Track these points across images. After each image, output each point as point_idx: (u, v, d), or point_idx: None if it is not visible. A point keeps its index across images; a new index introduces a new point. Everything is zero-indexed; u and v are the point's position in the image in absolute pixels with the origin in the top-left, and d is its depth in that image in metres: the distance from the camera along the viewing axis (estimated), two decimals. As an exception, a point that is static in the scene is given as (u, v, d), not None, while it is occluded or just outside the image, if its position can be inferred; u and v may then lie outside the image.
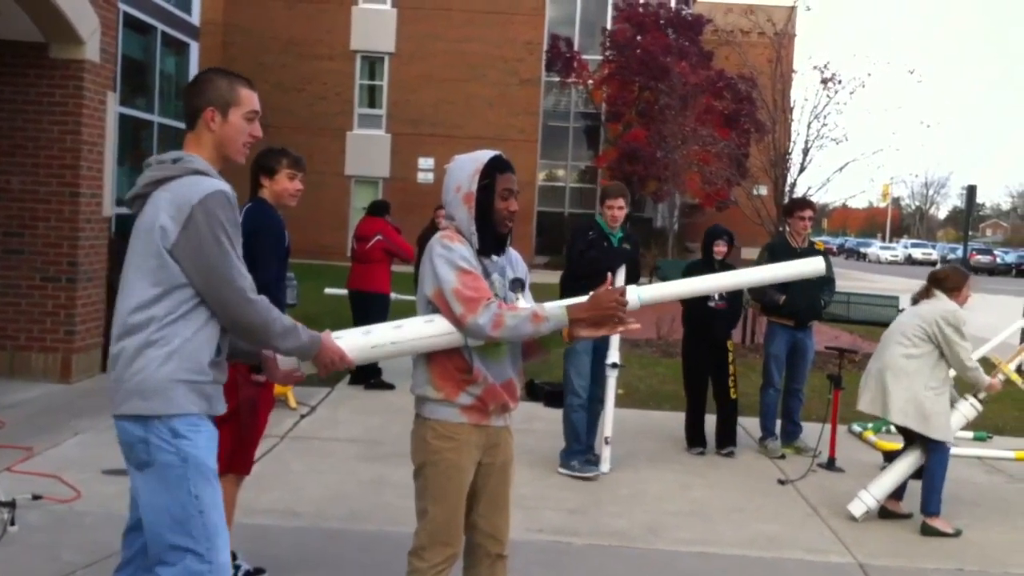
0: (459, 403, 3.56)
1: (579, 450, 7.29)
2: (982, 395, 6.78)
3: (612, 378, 7.30)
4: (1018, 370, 7.47)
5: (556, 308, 3.43)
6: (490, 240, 3.59)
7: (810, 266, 3.83)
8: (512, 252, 3.78)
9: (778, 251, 8.11)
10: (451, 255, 3.47)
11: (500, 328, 3.36)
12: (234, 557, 4.88)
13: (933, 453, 6.41)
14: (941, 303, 6.39)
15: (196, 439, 3.02)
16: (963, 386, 6.65)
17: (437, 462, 3.57)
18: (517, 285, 3.65)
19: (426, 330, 3.44)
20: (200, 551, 3.01)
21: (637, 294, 3.54)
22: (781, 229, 8.71)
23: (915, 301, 6.65)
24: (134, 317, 3.01)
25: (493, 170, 3.58)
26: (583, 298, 3.48)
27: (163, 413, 2.98)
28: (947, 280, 6.51)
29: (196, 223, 2.96)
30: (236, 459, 4.61)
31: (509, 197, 3.59)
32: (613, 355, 7.21)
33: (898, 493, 6.62)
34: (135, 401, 2.98)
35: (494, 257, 3.63)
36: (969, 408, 6.71)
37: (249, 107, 3.21)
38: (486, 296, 3.41)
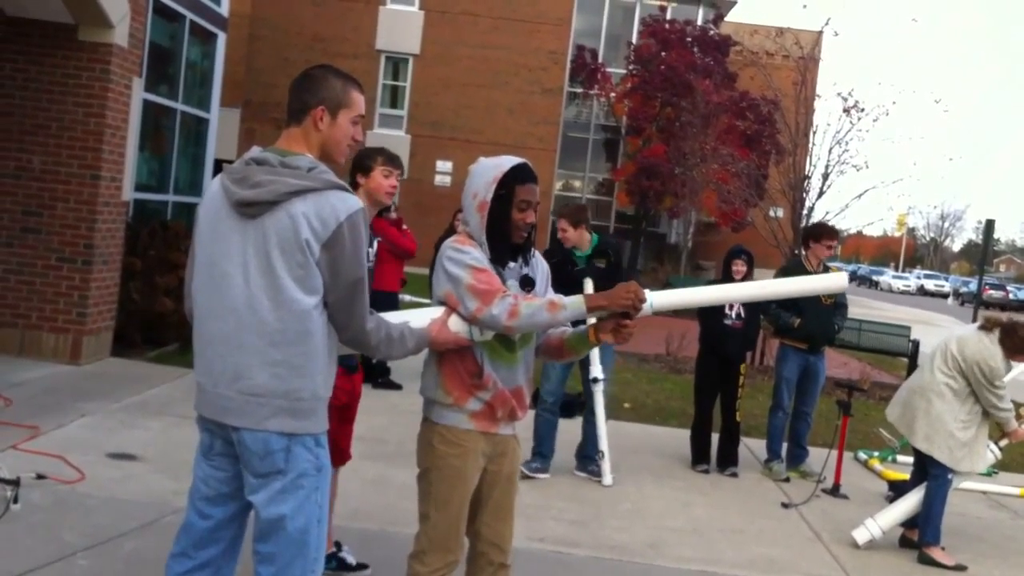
0: (468, 409, 3.54)
1: (542, 454, 7.42)
2: (1003, 443, 6.76)
3: (598, 392, 7.40)
4: None
5: (571, 299, 3.41)
6: (504, 249, 3.57)
7: (832, 281, 3.71)
8: (537, 259, 3.76)
9: (792, 274, 8.07)
10: (463, 256, 3.47)
11: (516, 317, 3.33)
12: (339, 547, 4.95)
13: (933, 480, 6.39)
14: (989, 350, 6.28)
15: (327, 448, 3.12)
16: (991, 428, 6.62)
17: (442, 468, 3.55)
18: (527, 282, 3.62)
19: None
20: (316, 562, 3.09)
21: (649, 300, 3.45)
22: (796, 252, 8.65)
23: (982, 327, 6.50)
24: (291, 325, 2.95)
25: (513, 180, 3.53)
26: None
27: (314, 432, 3.06)
28: (1012, 338, 6.33)
29: (342, 239, 2.95)
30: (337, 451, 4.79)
31: (527, 209, 3.54)
32: (595, 370, 7.31)
33: (914, 522, 6.57)
34: (284, 421, 2.97)
35: (511, 264, 3.62)
36: (988, 454, 6.69)
37: (357, 111, 3.17)
38: (499, 289, 3.40)
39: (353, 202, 3.00)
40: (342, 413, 4.69)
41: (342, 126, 3.12)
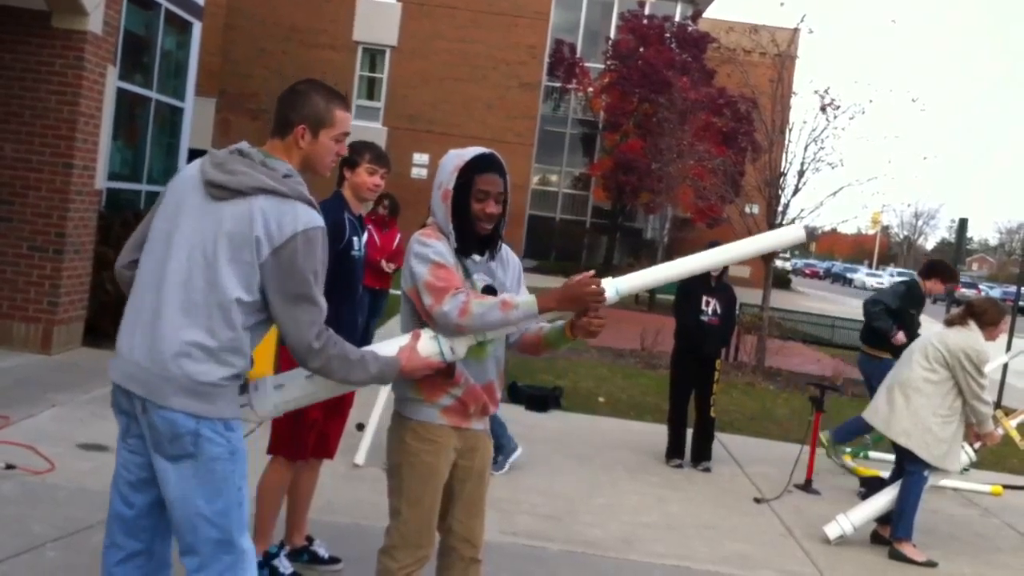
0: (440, 404, 3.53)
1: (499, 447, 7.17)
2: (977, 445, 6.82)
3: None
4: (1019, 428, 7.56)
5: (526, 296, 3.37)
6: (469, 240, 3.54)
7: (791, 233, 3.64)
8: (506, 254, 3.73)
9: (913, 293, 8.40)
10: (425, 250, 3.45)
11: (466, 316, 3.28)
12: (311, 541, 4.93)
13: (908, 476, 6.43)
14: (971, 337, 6.36)
15: (240, 432, 3.07)
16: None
17: (414, 463, 3.55)
18: (489, 292, 3.54)
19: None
20: (235, 541, 3.04)
21: (615, 287, 3.41)
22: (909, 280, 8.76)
23: (948, 324, 6.62)
24: (216, 311, 2.96)
25: (473, 170, 3.51)
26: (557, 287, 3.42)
27: (223, 417, 3.01)
28: (986, 314, 6.45)
29: (293, 250, 2.94)
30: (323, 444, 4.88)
31: (485, 199, 3.50)
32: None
33: (888, 519, 6.61)
34: (191, 401, 2.94)
35: (476, 257, 3.58)
36: (963, 455, 6.75)
37: (341, 129, 3.19)
38: (455, 286, 3.36)
39: (316, 219, 3.01)
40: (332, 406, 4.67)
41: (324, 144, 3.16)
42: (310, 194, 3.07)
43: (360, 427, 7.33)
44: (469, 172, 3.51)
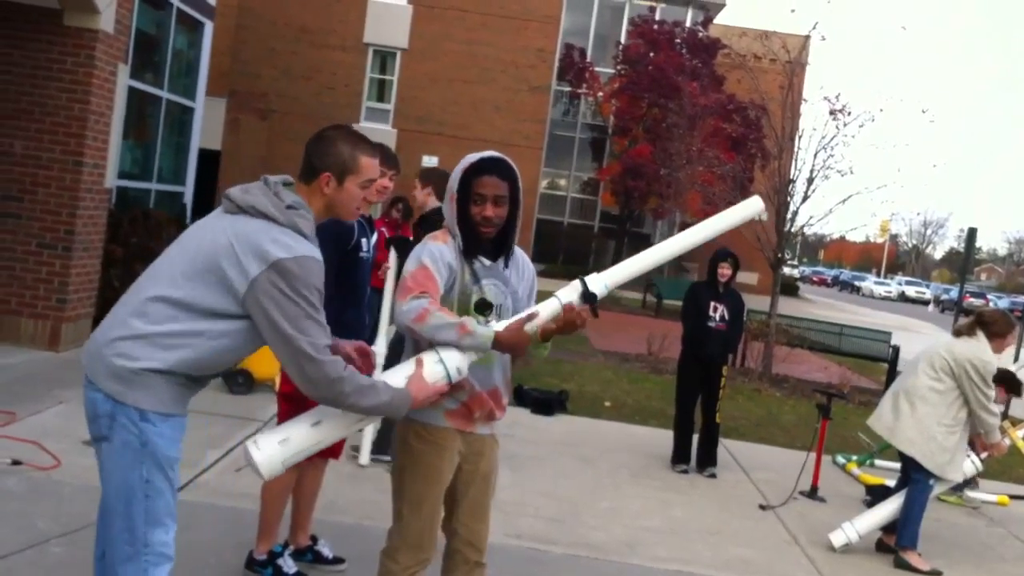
0: (444, 407, 3.53)
1: None
2: (984, 455, 6.80)
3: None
4: None
5: (484, 329, 3.33)
6: (471, 242, 3.54)
7: (751, 207, 3.81)
8: (522, 261, 3.71)
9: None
10: (421, 250, 3.48)
11: (421, 323, 3.25)
12: (315, 541, 4.93)
13: (914, 485, 6.41)
14: (978, 347, 6.33)
15: (161, 427, 3.00)
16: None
17: (417, 465, 3.55)
18: (484, 307, 3.54)
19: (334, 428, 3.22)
20: (136, 532, 3.00)
21: (603, 283, 3.50)
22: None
23: (957, 334, 6.59)
24: (156, 307, 2.98)
25: (472, 173, 3.52)
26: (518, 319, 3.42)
27: (139, 406, 2.97)
28: (995, 325, 6.42)
29: (262, 287, 2.91)
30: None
31: (482, 203, 3.49)
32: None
33: (894, 527, 6.59)
34: (112, 383, 2.95)
35: (486, 262, 3.57)
36: (970, 465, 6.73)
37: (367, 176, 3.20)
38: (425, 291, 3.34)
39: (299, 249, 2.97)
40: None
41: (349, 190, 3.18)
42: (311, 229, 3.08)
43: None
44: (469, 175, 3.52)
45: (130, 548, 2.99)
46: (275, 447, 3.10)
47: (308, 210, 3.09)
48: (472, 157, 3.56)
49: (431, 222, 6.03)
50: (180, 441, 3.08)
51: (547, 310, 3.47)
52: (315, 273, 2.97)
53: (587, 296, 3.52)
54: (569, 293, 3.54)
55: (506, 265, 3.64)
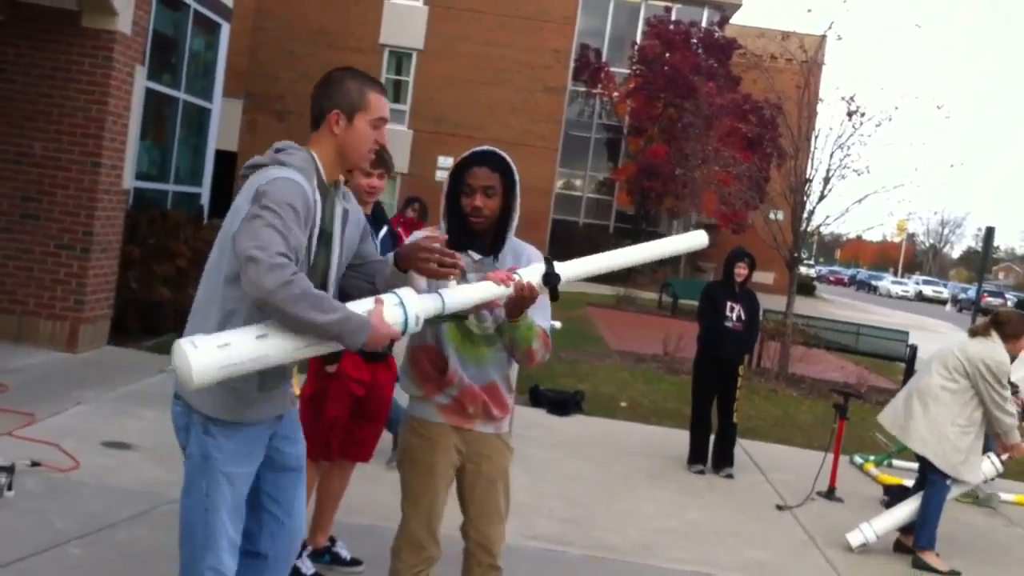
0: (436, 402, 3.56)
1: None
2: (1005, 456, 6.75)
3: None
4: None
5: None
6: (454, 233, 3.54)
7: (693, 240, 3.74)
8: (526, 258, 3.61)
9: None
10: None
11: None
12: (333, 542, 4.94)
13: (931, 486, 6.38)
14: (993, 348, 6.30)
15: (223, 441, 2.99)
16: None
17: (412, 461, 3.60)
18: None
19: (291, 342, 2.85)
20: (196, 541, 3.02)
21: (565, 272, 3.41)
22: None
23: (972, 334, 6.55)
24: (205, 291, 3.00)
25: (461, 167, 3.53)
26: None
27: (202, 411, 2.97)
28: (1008, 325, 6.38)
29: (251, 207, 2.82)
30: (351, 447, 4.86)
31: (471, 193, 3.48)
32: None
33: (912, 528, 6.56)
34: (182, 389, 2.98)
35: (476, 256, 3.53)
36: (989, 466, 6.69)
37: (377, 113, 3.06)
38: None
39: (277, 171, 2.90)
40: (358, 407, 4.68)
41: (359, 129, 3.04)
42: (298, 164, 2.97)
43: None
44: (461, 168, 3.53)
45: (188, 554, 3.04)
46: (214, 350, 2.72)
47: (298, 148, 3.02)
48: (465, 154, 3.57)
49: None
50: (248, 456, 3.06)
51: (489, 290, 3.28)
52: (287, 191, 2.82)
53: (549, 277, 3.41)
54: (530, 273, 3.37)
55: (496, 259, 3.57)
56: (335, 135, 3.03)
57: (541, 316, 3.58)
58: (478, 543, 3.69)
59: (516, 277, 3.28)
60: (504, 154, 3.56)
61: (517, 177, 3.57)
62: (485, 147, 3.57)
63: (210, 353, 2.71)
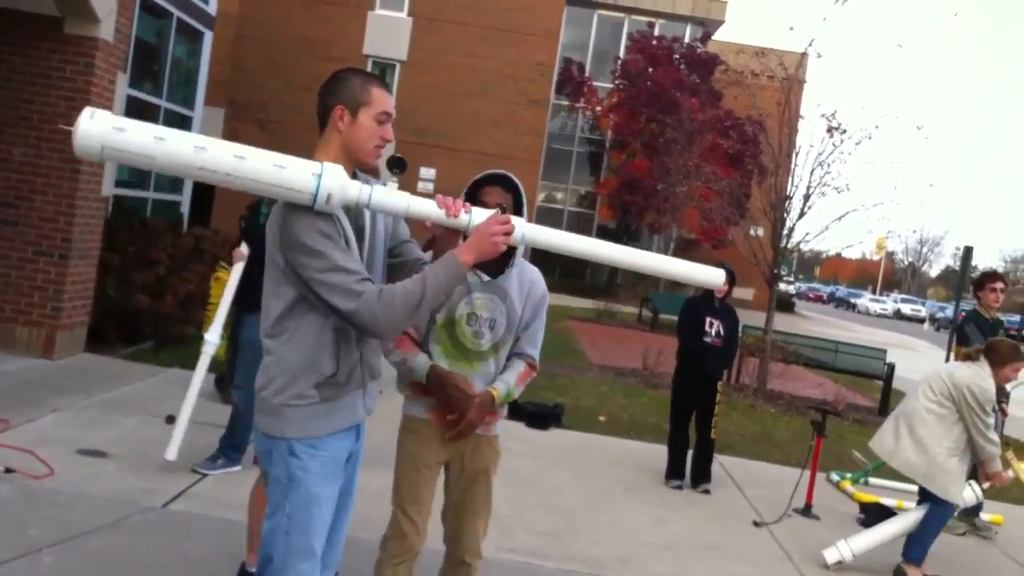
0: (425, 402, 3.72)
1: (234, 445, 6.46)
2: (986, 485, 6.76)
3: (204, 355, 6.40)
4: None
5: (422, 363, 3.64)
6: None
7: (711, 275, 3.47)
8: (529, 280, 3.79)
9: (974, 321, 8.09)
10: None
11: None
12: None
13: (936, 506, 6.38)
14: (979, 374, 6.30)
15: (308, 461, 2.99)
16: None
17: (400, 454, 3.77)
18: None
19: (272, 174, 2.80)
20: (276, 563, 3.02)
21: (522, 231, 3.07)
22: (972, 300, 8.52)
23: (965, 358, 6.57)
24: (265, 332, 3.02)
25: (474, 188, 3.64)
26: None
27: (285, 436, 2.99)
28: (996, 352, 6.40)
29: (287, 224, 2.86)
30: None
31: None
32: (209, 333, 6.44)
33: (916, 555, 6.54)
34: (261, 418, 3.02)
35: (484, 276, 3.66)
36: (970, 493, 6.70)
37: (381, 108, 3.02)
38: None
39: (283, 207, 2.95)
40: None
41: (364, 125, 3.01)
42: None
43: (170, 419, 7.07)
44: (474, 189, 3.65)
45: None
46: (108, 129, 2.71)
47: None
48: (480, 174, 3.68)
49: None
50: (332, 477, 3.06)
51: (426, 207, 3.06)
52: (304, 227, 2.86)
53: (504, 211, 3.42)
54: (482, 215, 3.08)
55: (506, 279, 3.70)
56: (340, 131, 3.01)
57: (531, 345, 3.82)
58: (451, 537, 3.87)
59: (464, 214, 3.05)
60: (516, 179, 3.67)
61: (525, 199, 3.68)
62: (498, 170, 3.67)
63: (101, 126, 2.70)
